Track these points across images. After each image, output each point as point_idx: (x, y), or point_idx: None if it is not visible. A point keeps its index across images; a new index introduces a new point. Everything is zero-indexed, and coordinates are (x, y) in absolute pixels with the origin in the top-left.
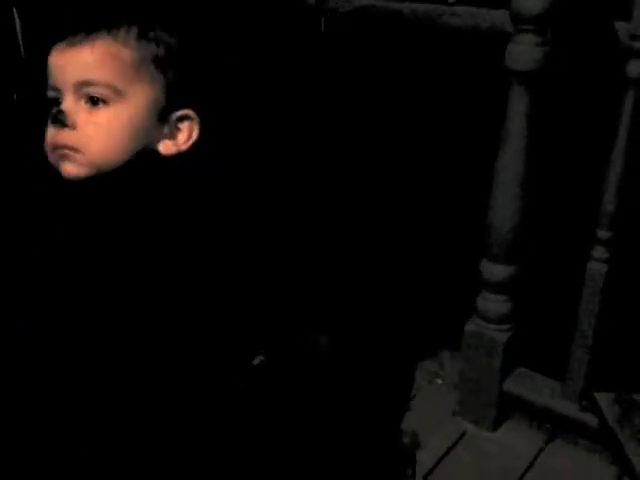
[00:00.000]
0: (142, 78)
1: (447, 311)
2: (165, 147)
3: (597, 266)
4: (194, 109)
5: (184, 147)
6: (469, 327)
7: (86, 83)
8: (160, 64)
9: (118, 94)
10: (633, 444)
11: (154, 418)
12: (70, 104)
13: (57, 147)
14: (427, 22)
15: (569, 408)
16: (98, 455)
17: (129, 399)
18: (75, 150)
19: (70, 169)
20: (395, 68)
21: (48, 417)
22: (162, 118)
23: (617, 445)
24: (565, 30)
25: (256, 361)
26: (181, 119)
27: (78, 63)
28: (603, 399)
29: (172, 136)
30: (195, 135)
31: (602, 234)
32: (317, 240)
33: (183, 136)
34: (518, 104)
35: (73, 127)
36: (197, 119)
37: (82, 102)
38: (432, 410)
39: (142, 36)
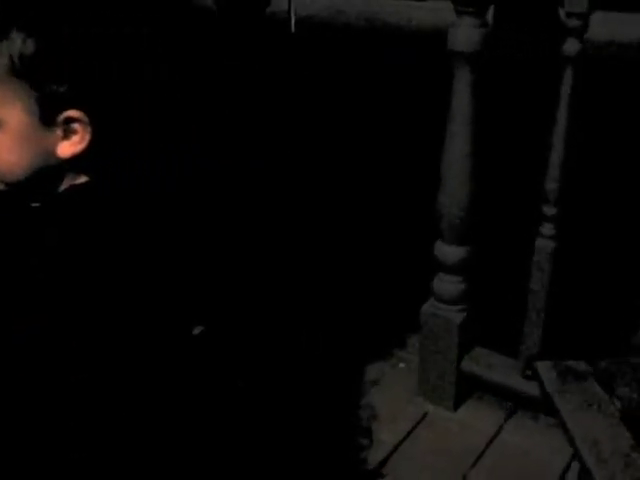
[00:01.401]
0: (8, 95)
1: (410, 295)
2: (62, 150)
3: (545, 243)
4: (79, 108)
5: (80, 147)
6: (425, 309)
7: None
8: (20, 74)
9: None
10: (568, 408)
11: (138, 407)
12: None
13: None
14: (366, 22)
15: (527, 385)
16: (91, 456)
17: (114, 395)
18: None
19: None
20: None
21: (44, 420)
22: (48, 124)
23: (555, 410)
24: (506, 11)
25: (196, 331)
26: (68, 121)
27: None
28: (543, 367)
29: (67, 137)
30: (88, 133)
31: (547, 210)
32: (268, 229)
33: (77, 136)
34: (461, 85)
35: None
36: (84, 117)
37: None
38: (395, 393)
39: None
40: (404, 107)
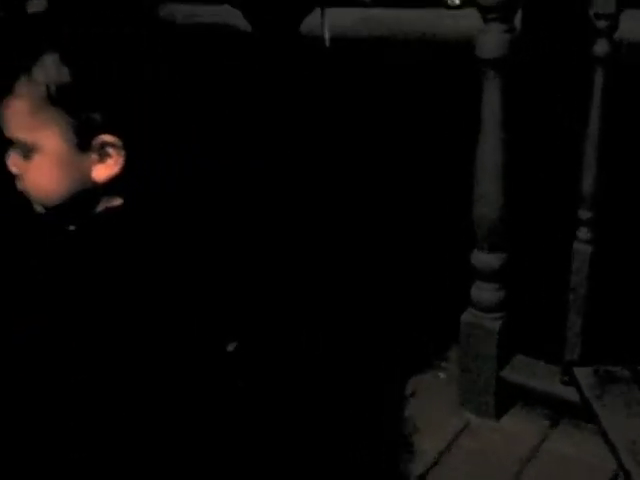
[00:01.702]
0: (45, 122)
1: (449, 304)
2: (97, 174)
3: (582, 247)
4: (113, 132)
5: (115, 170)
6: (464, 318)
7: (10, 140)
8: (55, 102)
9: (32, 147)
10: (607, 413)
11: (144, 414)
12: (13, 156)
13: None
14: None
15: (571, 392)
16: (92, 456)
17: (121, 399)
18: (27, 192)
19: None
20: None
21: (44, 421)
22: (84, 148)
23: (594, 416)
24: (534, 15)
25: (230, 347)
26: (103, 145)
27: (2, 124)
28: (581, 373)
29: (102, 161)
30: (122, 157)
31: (583, 214)
32: (308, 238)
33: (111, 160)
34: (490, 90)
35: (18, 176)
36: (118, 141)
37: (17, 153)
38: (435, 404)
39: (31, 82)
40: (437, 114)
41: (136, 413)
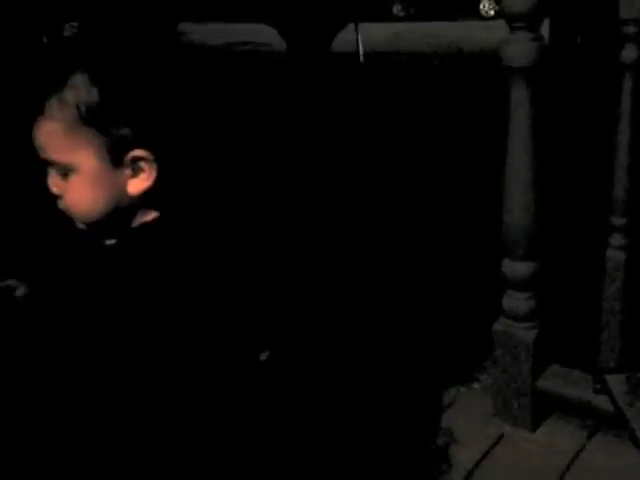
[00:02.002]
0: (79, 142)
1: (481, 314)
2: (132, 188)
3: (615, 254)
4: (143, 147)
5: (148, 183)
6: (497, 327)
7: (48, 162)
8: (87, 122)
9: (68, 168)
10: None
11: (157, 419)
12: (52, 177)
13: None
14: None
15: (607, 401)
16: (97, 456)
17: (131, 401)
18: (67, 211)
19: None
20: None
21: (47, 421)
22: (117, 165)
23: (627, 424)
24: (562, 23)
25: (263, 357)
26: (135, 160)
27: (38, 146)
28: (613, 380)
29: (135, 175)
30: (154, 170)
31: (616, 220)
32: (338, 246)
33: (144, 174)
34: (519, 99)
35: (58, 195)
36: (149, 155)
37: (55, 174)
38: (470, 414)
39: (62, 104)
40: (470, 124)
41: (165, 416)
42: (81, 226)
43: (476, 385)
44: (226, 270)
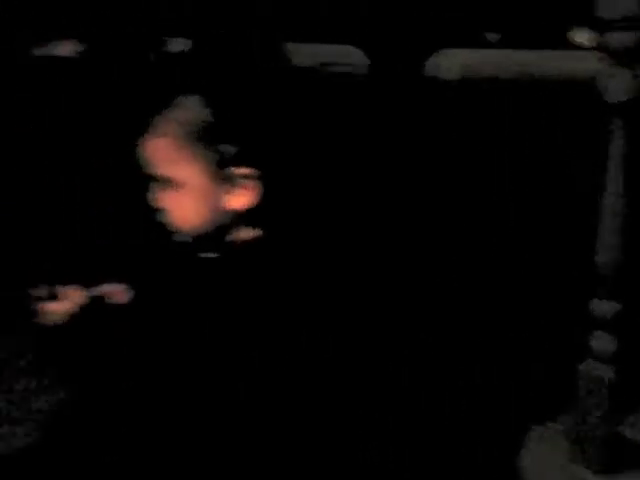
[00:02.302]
0: (185, 158)
1: (562, 353)
2: (234, 204)
3: None
4: (247, 164)
5: (251, 200)
6: (582, 368)
7: (155, 176)
8: (197, 138)
9: (174, 182)
10: None
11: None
12: (158, 191)
13: None
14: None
15: None
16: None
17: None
18: (171, 224)
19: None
20: None
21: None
22: (222, 180)
23: None
24: None
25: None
26: (239, 177)
27: (146, 161)
28: None
29: (238, 191)
30: (257, 188)
31: None
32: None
33: (247, 191)
34: (616, 135)
35: (163, 209)
36: (253, 172)
37: (162, 188)
38: (545, 457)
39: (172, 119)
40: (559, 157)
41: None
42: (182, 238)
43: (552, 425)
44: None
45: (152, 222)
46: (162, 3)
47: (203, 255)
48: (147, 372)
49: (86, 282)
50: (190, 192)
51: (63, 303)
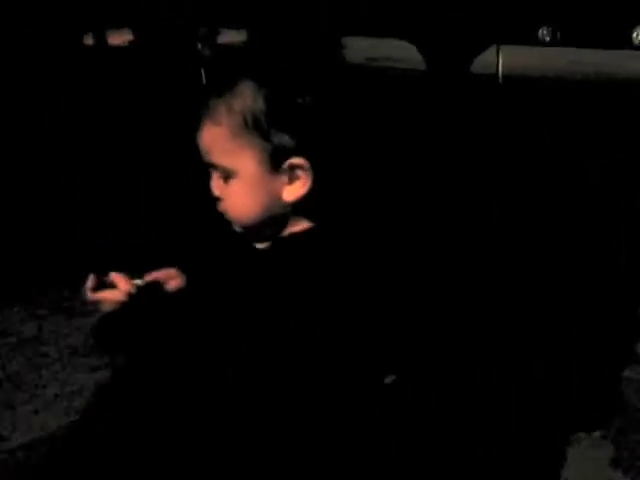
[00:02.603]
0: (241, 146)
1: (608, 360)
2: (287, 195)
3: None
4: (301, 155)
5: (303, 191)
6: (627, 374)
7: (211, 165)
8: (252, 128)
9: (230, 172)
10: None
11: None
12: (214, 180)
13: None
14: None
15: None
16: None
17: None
18: (226, 213)
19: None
20: None
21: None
22: (276, 171)
23: None
24: None
25: (388, 380)
26: (293, 167)
27: (201, 148)
28: None
29: (291, 183)
30: (309, 179)
31: None
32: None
33: (300, 182)
34: None
35: (219, 198)
36: (306, 163)
37: (218, 177)
38: (589, 466)
39: (229, 110)
40: (615, 159)
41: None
42: (237, 229)
43: (597, 433)
44: (366, 288)
45: (210, 209)
46: None
47: (253, 246)
48: (197, 358)
49: (141, 268)
50: (244, 182)
51: (117, 290)
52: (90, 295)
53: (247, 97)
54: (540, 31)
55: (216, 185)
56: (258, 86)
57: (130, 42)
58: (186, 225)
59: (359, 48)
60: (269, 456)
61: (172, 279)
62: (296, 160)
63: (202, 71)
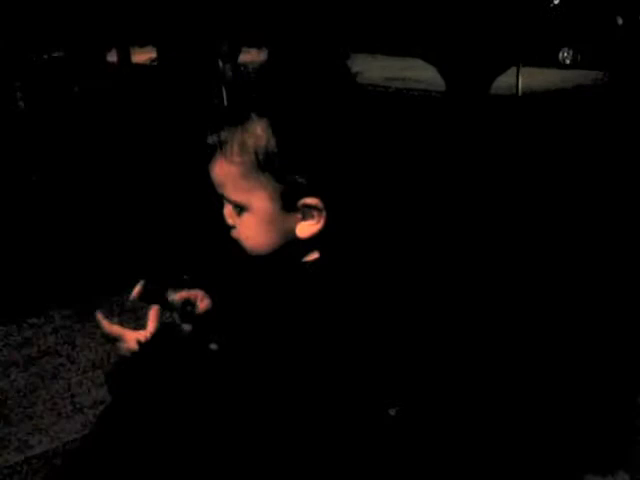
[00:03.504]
0: (254, 185)
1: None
2: (301, 230)
3: None
4: (315, 194)
5: (316, 228)
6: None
7: (224, 197)
8: (264, 167)
9: (243, 207)
10: None
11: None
12: (227, 209)
13: None
14: None
15: None
16: None
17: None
18: (239, 241)
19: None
20: None
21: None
22: (289, 209)
23: None
24: None
25: (392, 412)
26: (306, 206)
27: (215, 181)
28: None
29: (305, 219)
30: (323, 217)
31: None
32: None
33: (314, 220)
34: None
35: (232, 226)
36: (320, 203)
37: (232, 207)
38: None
39: (242, 148)
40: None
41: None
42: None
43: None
44: (372, 324)
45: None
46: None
47: (267, 276)
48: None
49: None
50: (257, 217)
51: (127, 342)
52: (107, 329)
53: (260, 135)
54: (560, 54)
55: (229, 214)
56: (271, 124)
57: (153, 60)
58: (206, 244)
59: (377, 67)
60: None
61: (200, 301)
62: (309, 200)
63: (223, 89)
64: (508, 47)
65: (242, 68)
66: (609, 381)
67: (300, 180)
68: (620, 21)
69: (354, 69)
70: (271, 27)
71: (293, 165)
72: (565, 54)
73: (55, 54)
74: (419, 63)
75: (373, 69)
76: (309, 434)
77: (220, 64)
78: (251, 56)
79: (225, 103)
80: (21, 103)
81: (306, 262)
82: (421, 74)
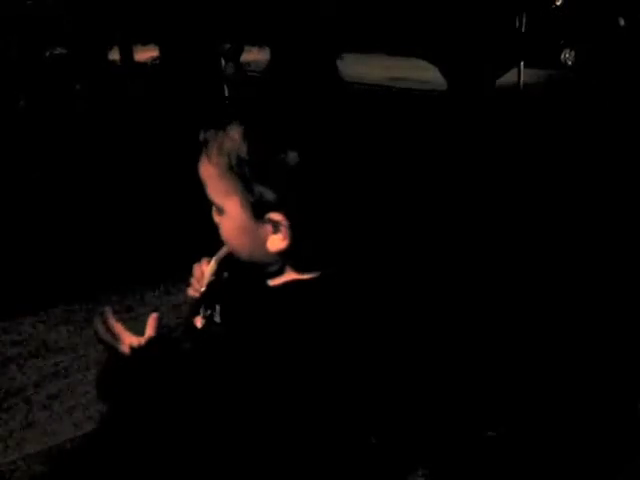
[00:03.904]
0: (228, 189)
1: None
2: (271, 244)
3: None
4: (282, 210)
5: (283, 245)
6: None
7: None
8: (237, 173)
9: (220, 209)
10: None
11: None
12: (214, 210)
13: None
14: None
15: None
16: None
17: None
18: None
19: None
20: None
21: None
22: (258, 219)
23: None
24: None
25: (373, 440)
26: (274, 221)
27: (200, 179)
28: None
29: (275, 233)
30: (287, 235)
31: None
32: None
33: (281, 235)
34: None
35: (218, 226)
36: (285, 220)
37: (214, 208)
38: None
39: (219, 150)
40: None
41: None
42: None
43: None
44: (347, 350)
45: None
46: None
47: (254, 283)
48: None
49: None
50: (232, 221)
51: (120, 344)
52: (102, 334)
53: (236, 140)
54: (562, 54)
55: (214, 213)
56: (245, 132)
57: (155, 58)
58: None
59: (378, 66)
60: None
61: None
62: (274, 215)
63: (225, 87)
64: (509, 48)
65: (244, 67)
66: (609, 381)
67: (268, 193)
68: (622, 22)
69: (356, 69)
70: (273, 27)
71: (261, 177)
72: (567, 55)
73: (57, 51)
74: (424, 63)
75: (376, 69)
76: (290, 454)
77: (222, 63)
78: (253, 55)
79: (227, 102)
80: (22, 101)
81: (275, 284)
82: (426, 74)
